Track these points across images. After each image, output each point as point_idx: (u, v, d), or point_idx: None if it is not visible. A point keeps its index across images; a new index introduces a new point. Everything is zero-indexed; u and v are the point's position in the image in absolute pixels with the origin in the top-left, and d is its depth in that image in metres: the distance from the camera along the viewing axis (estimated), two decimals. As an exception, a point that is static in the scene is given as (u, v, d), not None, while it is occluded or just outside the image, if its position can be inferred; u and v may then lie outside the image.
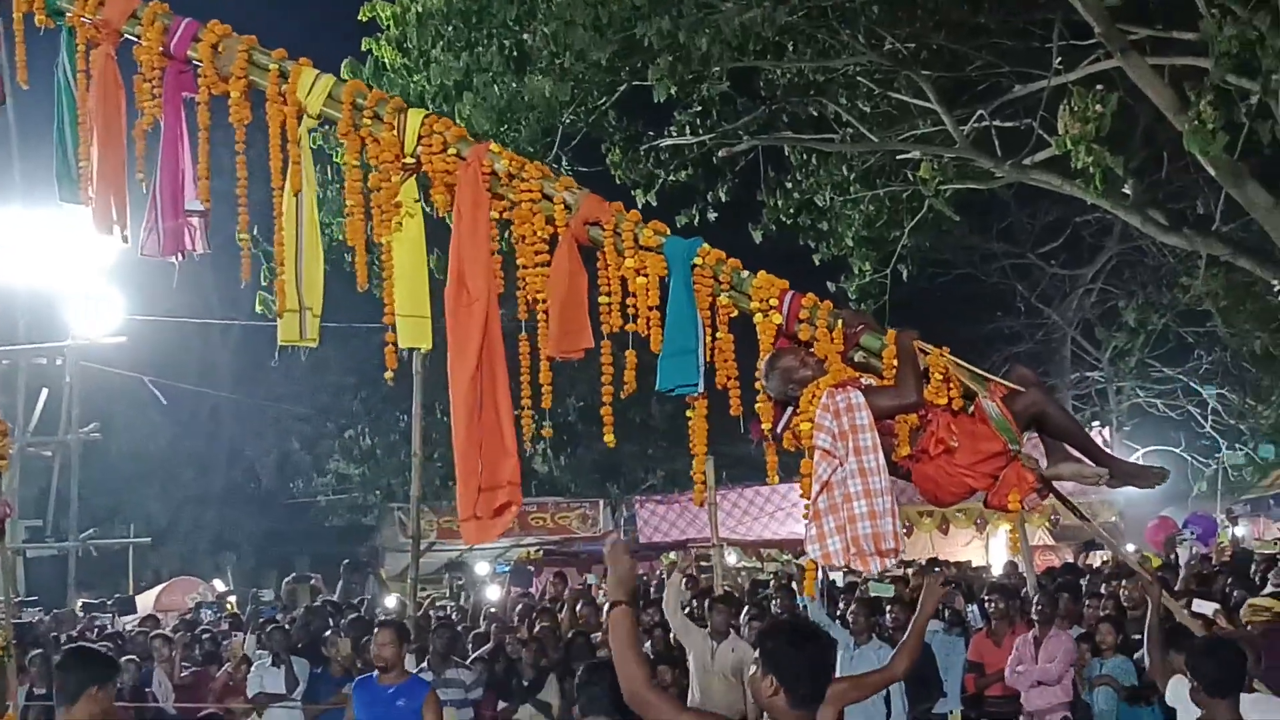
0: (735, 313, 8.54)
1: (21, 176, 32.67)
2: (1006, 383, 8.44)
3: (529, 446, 8.97)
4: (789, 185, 23.22)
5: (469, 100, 18.85)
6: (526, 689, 17.23)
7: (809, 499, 8.11)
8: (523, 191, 8.58)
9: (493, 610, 22.94)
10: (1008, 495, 8.28)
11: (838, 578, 25.54)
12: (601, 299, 8.60)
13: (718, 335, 8.53)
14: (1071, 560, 28.41)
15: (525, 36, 19.13)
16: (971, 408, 8.34)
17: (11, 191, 32.56)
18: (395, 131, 8.61)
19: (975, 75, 22.42)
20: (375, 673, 12.82)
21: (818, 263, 24.09)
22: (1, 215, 30.28)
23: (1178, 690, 9.57)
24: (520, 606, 22.70)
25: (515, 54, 19.16)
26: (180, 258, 8.88)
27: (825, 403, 8.00)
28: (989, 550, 31.08)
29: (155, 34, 8.64)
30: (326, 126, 8.98)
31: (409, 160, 8.67)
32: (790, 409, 8.28)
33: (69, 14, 8.67)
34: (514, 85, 18.99)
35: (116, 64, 8.76)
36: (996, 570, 26.96)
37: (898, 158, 23.28)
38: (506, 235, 8.87)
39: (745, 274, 8.50)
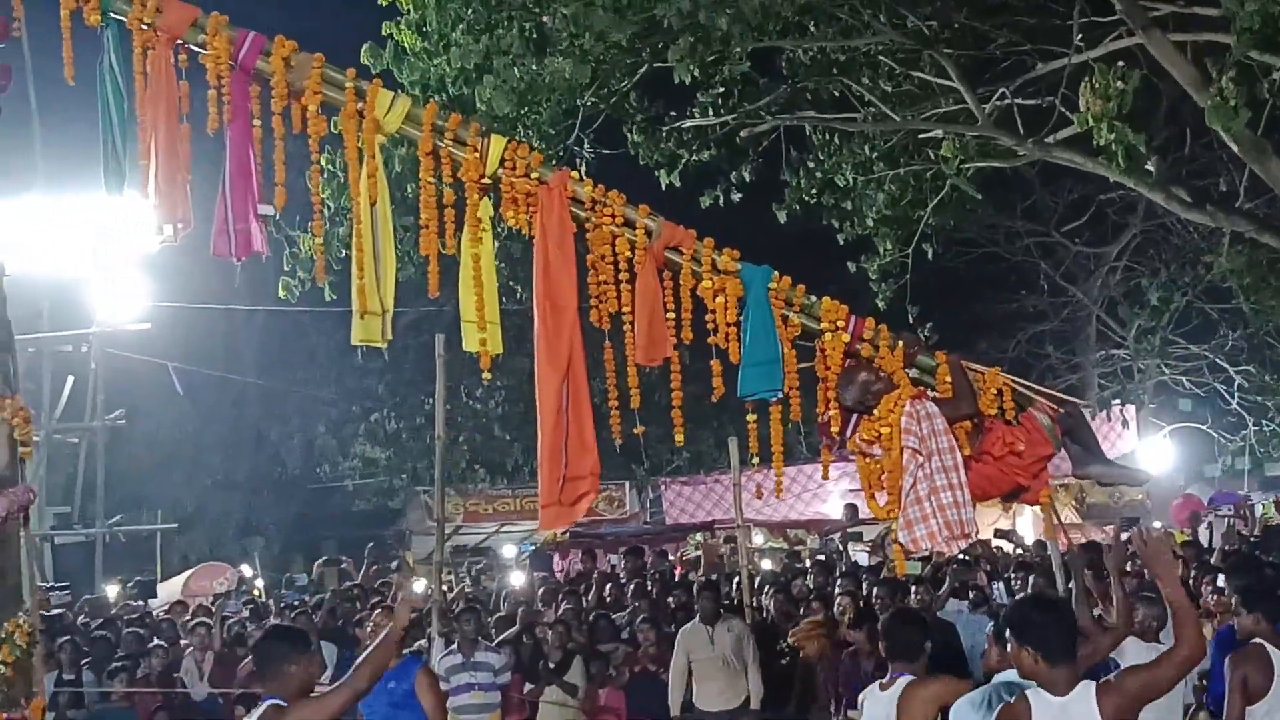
0: (799, 331, 9.98)
1: (43, 165, 32.74)
2: (1054, 394, 10.35)
3: (618, 440, 10.12)
4: (811, 165, 23.14)
5: (489, 83, 18.81)
6: (553, 670, 17.27)
7: (880, 489, 9.88)
8: (605, 216, 9.71)
9: (519, 596, 22.93)
10: (1041, 491, 10.31)
11: (861, 558, 25.59)
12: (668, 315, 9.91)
13: (782, 350, 9.93)
14: (1096, 539, 28.39)
15: (545, 19, 19.08)
16: (1019, 417, 10.02)
17: (33, 179, 32.64)
18: (478, 154, 9.52)
19: (997, 53, 22.35)
20: None
21: (841, 242, 24.04)
22: (24, 203, 30.29)
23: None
24: (543, 590, 22.74)
25: (535, 36, 19.12)
26: (238, 260, 9.50)
27: (909, 411, 9.56)
28: (1015, 528, 31.06)
29: (223, 44, 9.16)
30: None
31: (486, 181, 9.60)
32: (855, 416, 9.90)
33: (128, 16, 8.96)
34: (534, 67, 18.93)
35: (174, 69, 9.16)
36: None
37: (920, 137, 23.20)
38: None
39: (813, 298, 9.99)
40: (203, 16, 9.22)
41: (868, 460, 9.98)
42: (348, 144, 9.55)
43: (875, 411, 9.76)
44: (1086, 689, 7.65)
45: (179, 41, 9.22)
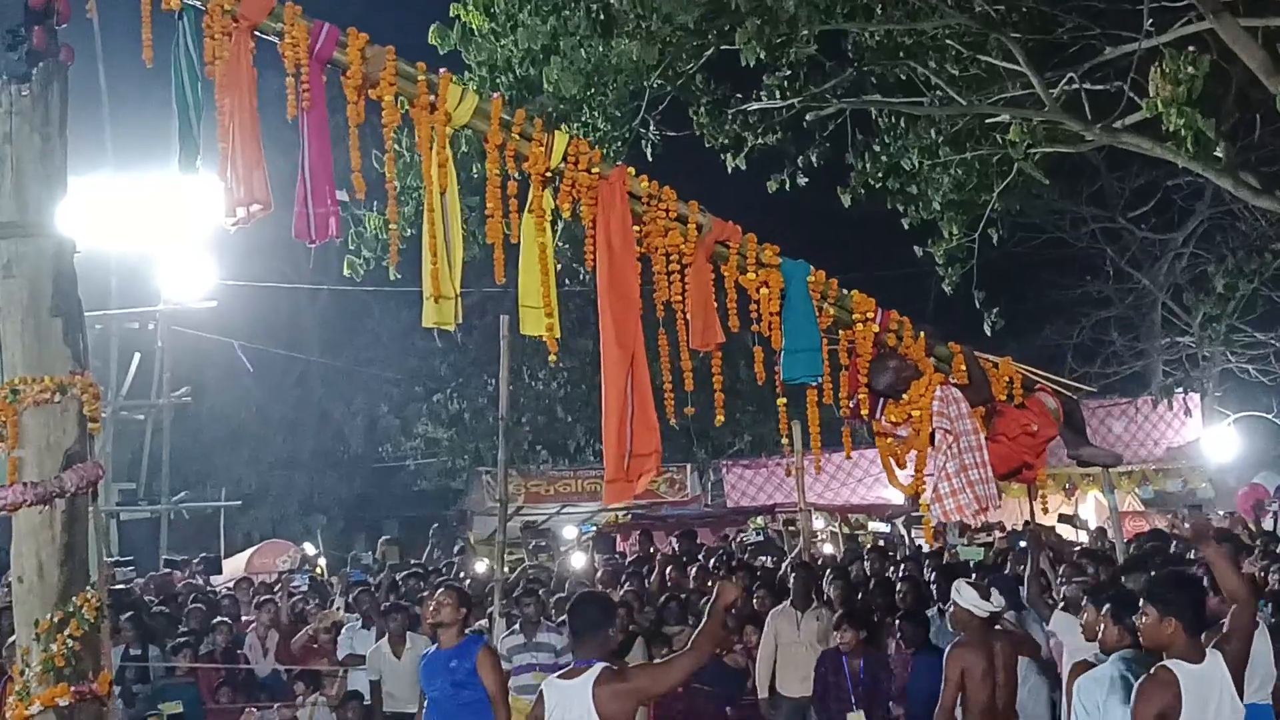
0: (832, 321, 10.83)
1: (112, 143, 32.96)
2: (1058, 379, 11.52)
3: (673, 421, 10.78)
4: (877, 149, 23.10)
5: (556, 64, 18.88)
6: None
7: (906, 468, 10.88)
8: (659, 210, 10.29)
9: (582, 577, 22.95)
10: (1040, 470, 11.35)
11: (922, 541, 25.52)
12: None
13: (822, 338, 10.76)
14: (1161, 526, 28.21)
15: (612, 0, 19.12)
16: (1025, 401, 11.12)
17: (102, 157, 32.82)
18: (543, 148, 9.94)
19: (1065, 37, 22.25)
20: (437, 643, 12.97)
21: (906, 226, 23.99)
22: (93, 181, 30.46)
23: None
24: (602, 572, 22.76)
25: (602, 17, 19.15)
26: (312, 243, 9.76)
27: (940, 395, 10.58)
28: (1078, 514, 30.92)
29: (301, 34, 9.36)
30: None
31: (549, 174, 10.07)
32: (883, 399, 10.81)
33: (209, 3, 9.12)
34: (601, 49, 18.99)
35: (251, 55, 9.33)
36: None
37: (986, 121, 23.12)
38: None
39: (846, 291, 10.79)
40: (278, 5, 9.37)
41: (889, 440, 10.98)
42: (420, 135, 9.83)
43: (905, 396, 10.77)
44: (1215, 655, 8.45)
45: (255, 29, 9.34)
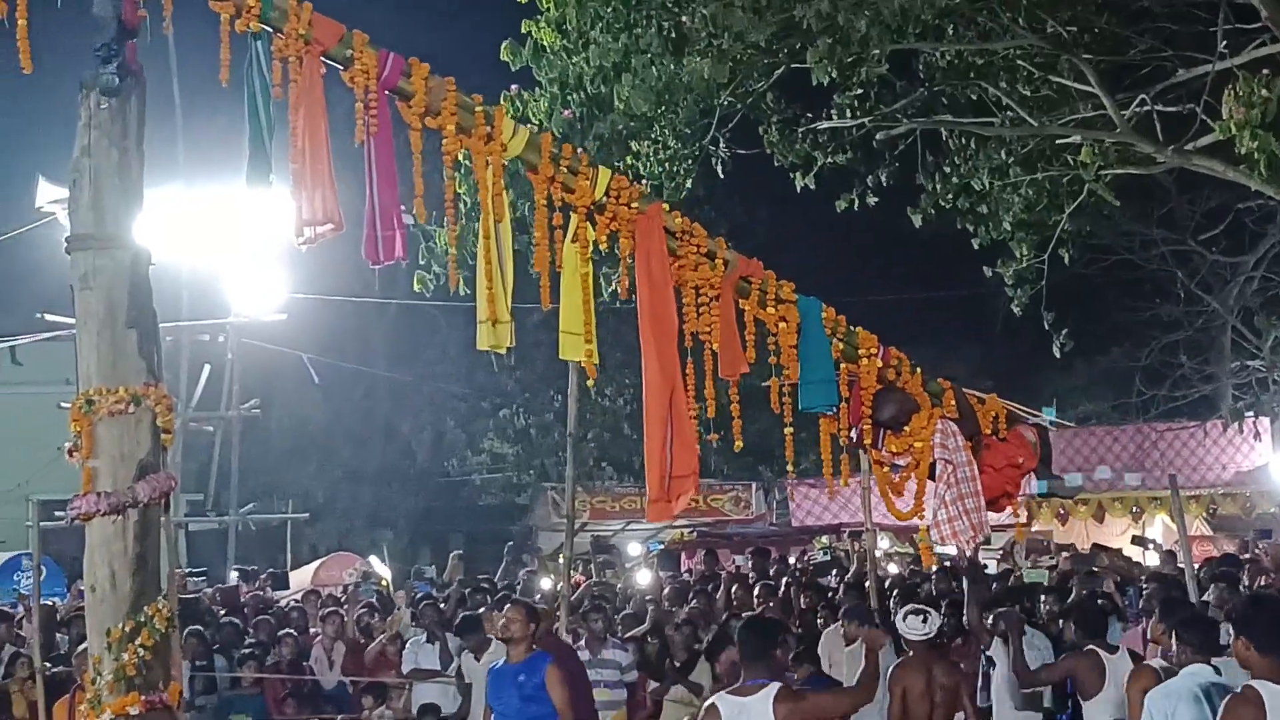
0: (839, 355, 11.27)
1: (184, 154, 33.24)
2: (1036, 414, 12.22)
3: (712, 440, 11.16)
4: (947, 169, 23.05)
5: (627, 82, 18.90)
6: (678, 670, 17.29)
7: (904, 496, 11.48)
8: (690, 245, 10.72)
9: (648, 594, 22.95)
10: (1015, 498, 12.08)
11: (990, 564, 25.45)
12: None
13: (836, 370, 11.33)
14: (1232, 551, 28.04)
15: (683, 18, 19.13)
16: (1006, 434, 11.70)
17: (175, 169, 33.09)
18: (589, 182, 10.28)
19: (1138, 59, 22.15)
20: (505, 657, 13.00)
21: (976, 247, 23.92)
22: (166, 193, 30.71)
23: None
24: (668, 590, 22.76)
25: (674, 35, 19.16)
26: (374, 265, 9.93)
27: (940, 428, 11.18)
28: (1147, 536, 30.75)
29: (370, 61, 9.52)
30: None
31: (592, 206, 10.42)
32: (884, 429, 11.34)
33: (285, 28, 9.27)
34: (672, 67, 19.00)
35: (322, 79, 9.52)
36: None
37: (1057, 142, 23.02)
38: None
39: (852, 328, 11.30)
40: (347, 32, 9.55)
41: (885, 469, 11.56)
42: (476, 165, 10.14)
43: (906, 428, 11.28)
44: None
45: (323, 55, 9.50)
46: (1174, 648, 10.56)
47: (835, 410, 11.25)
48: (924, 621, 14.00)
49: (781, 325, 11.07)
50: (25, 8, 8.53)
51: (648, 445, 10.58)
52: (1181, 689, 9.95)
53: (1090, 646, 13.26)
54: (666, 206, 10.99)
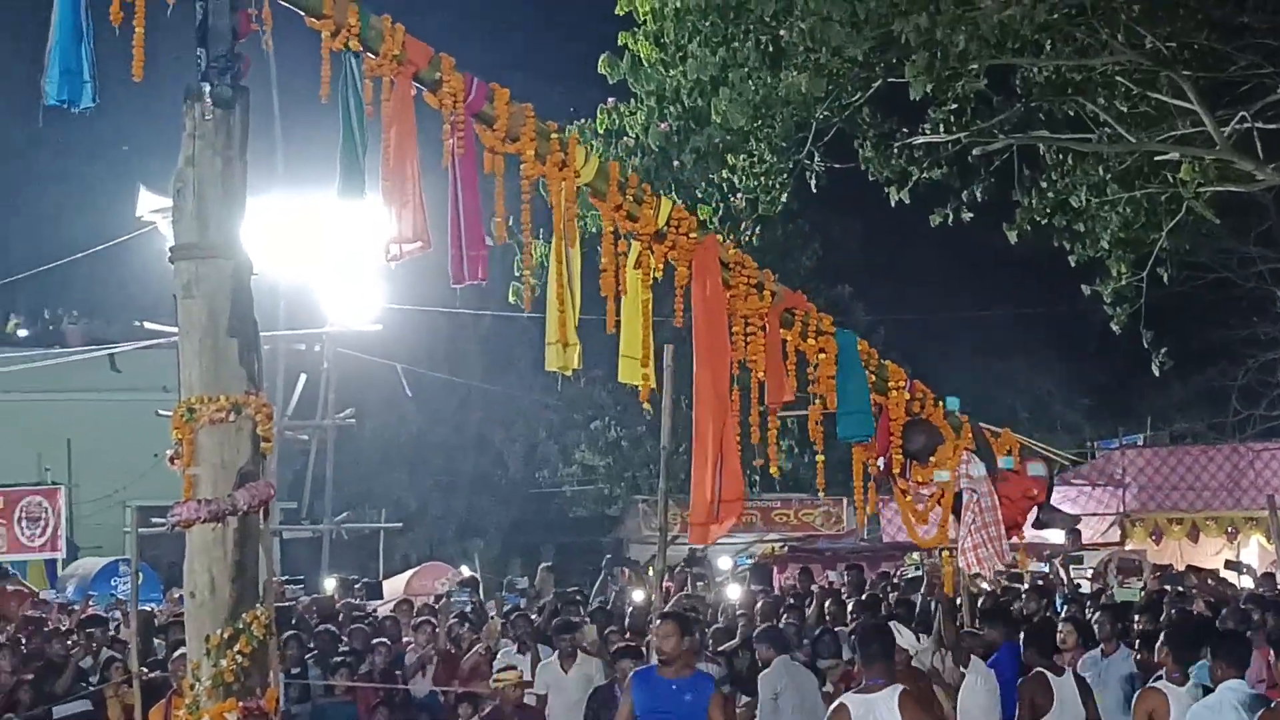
0: (869, 386, 11.78)
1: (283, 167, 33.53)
2: (1048, 449, 13.43)
3: (784, 449, 11.24)
4: (1044, 185, 22.96)
5: (725, 95, 18.94)
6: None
7: (929, 524, 12.15)
8: (741, 276, 11.21)
9: (740, 608, 22.88)
10: (1022, 528, 12.71)
11: (1084, 583, 25.26)
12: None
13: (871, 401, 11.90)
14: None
15: (782, 32, 19.14)
16: (1018, 469, 12.31)
17: (274, 181, 33.35)
18: (653, 211, 10.71)
19: (1238, 76, 22.01)
20: (655, 665, 12.89)
21: (1072, 264, 23.81)
22: (265, 204, 30.95)
23: None
24: (762, 604, 22.69)
25: (771, 49, 19.20)
26: (460, 283, 10.31)
27: (965, 459, 11.81)
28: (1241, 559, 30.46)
29: (457, 84, 9.77)
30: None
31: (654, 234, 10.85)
32: (910, 460, 11.89)
33: (380, 48, 9.44)
34: (769, 81, 19.03)
35: (413, 100, 9.72)
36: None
37: (1156, 159, 22.90)
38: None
39: (884, 363, 11.89)
40: (435, 55, 9.73)
41: (909, 498, 12.19)
42: (552, 190, 10.41)
43: (932, 459, 11.88)
44: None
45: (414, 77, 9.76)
46: (1176, 669, 11.55)
47: (870, 439, 11.84)
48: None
49: (821, 356, 11.56)
50: (143, 16, 8.61)
51: (695, 470, 11.07)
52: (1223, 703, 10.45)
53: (1039, 669, 13.51)
54: (721, 238, 11.74)
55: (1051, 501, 13.14)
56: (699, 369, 10.98)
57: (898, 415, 11.87)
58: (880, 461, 12.04)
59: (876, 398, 11.84)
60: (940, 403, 12.10)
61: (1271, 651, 13.89)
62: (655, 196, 10.88)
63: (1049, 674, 13.46)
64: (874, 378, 11.80)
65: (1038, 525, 13.38)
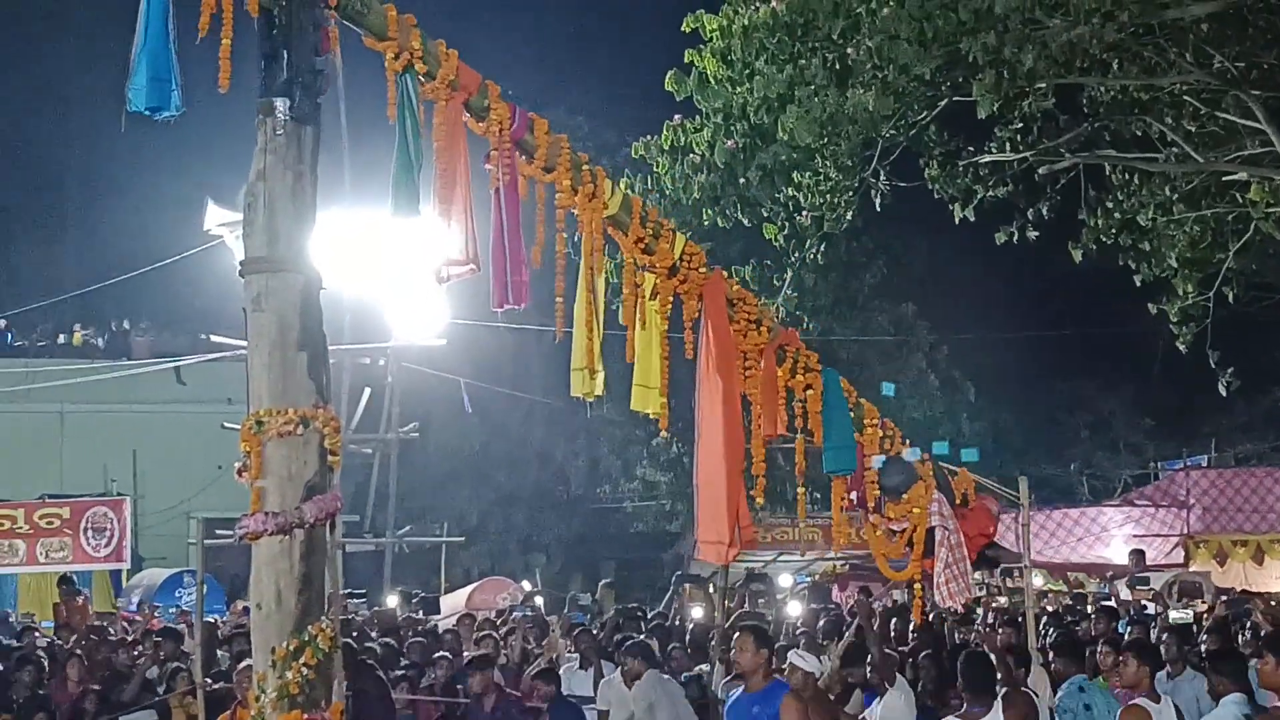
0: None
1: (349, 182, 33.61)
2: (996, 486, 14.02)
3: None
4: (1110, 204, 22.88)
5: (792, 113, 18.91)
6: (833, 702, 17.17)
7: (901, 558, 12.39)
8: (743, 312, 11.45)
9: (803, 626, 22.85)
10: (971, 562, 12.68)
11: (1151, 606, 25.13)
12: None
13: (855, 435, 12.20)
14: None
15: (849, 50, 19.11)
16: (974, 506, 12.66)
17: (339, 195, 33.50)
18: (669, 245, 10.93)
19: (1308, 96, 21.88)
20: (742, 688, 12.91)
21: (1138, 283, 23.70)
22: (331, 218, 31.09)
23: None
24: (824, 622, 22.63)
25: (838, 67, 19.15)
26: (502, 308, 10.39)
27: (936, 498, 12.08)
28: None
29: (503, 113, 9.83)
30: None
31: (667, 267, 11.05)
32: (886, 497, 12.10)
33: (438, 73, 9.50)
34: (836, 98, 18.99)
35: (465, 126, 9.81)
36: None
37: (1223, 178, 22.77)
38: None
39: (861, 402, 12.12)
40: (482, 82, 9.80)
41: (879, 534, 12.33)
42: (582, 220, 10.51)
43: (905, 496, 12.07)
44: None
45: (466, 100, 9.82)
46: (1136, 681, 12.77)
47: (854, 472, 12.10)
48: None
49: (809, 392, 11.79)
50: (230, 27, 8.63)
51: (708, 493, 11.45)
52: (1227, 716, 11.16)
53: (1135, 703, 13.16)
54: (725, 274, 11.82)
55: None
56: (709, 397, 11.25)
57: (871, 451, 12.21)
58: (853, 495, 12.34)
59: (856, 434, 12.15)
60: (906, 441, 12.39)
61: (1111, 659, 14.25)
62: (673, 231, 11.14)
63: (1147, 705, 13.11)
64: (851, 415, 12.10)
65: (984, 563, 13.69)
